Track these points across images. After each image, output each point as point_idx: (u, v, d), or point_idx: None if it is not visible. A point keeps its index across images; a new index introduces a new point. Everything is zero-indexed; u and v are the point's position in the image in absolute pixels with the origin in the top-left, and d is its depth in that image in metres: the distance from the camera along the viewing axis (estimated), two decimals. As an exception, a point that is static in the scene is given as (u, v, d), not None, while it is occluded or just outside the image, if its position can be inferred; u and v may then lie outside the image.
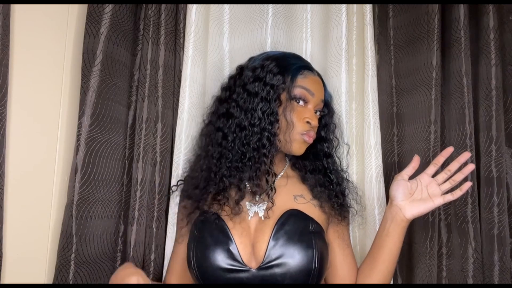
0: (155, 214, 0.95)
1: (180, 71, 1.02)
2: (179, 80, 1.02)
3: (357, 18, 1.06)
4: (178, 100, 1.01)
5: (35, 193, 0.87)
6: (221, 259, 0.79)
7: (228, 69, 1.09)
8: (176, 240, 0.94)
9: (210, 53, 1.08)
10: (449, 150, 0.84)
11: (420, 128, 1.01)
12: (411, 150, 1.03)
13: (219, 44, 1.09)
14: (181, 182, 0.96)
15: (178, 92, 1.02)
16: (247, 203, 0.86)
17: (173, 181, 0.99)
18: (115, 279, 0.76)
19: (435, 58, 0.99)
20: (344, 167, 1.00)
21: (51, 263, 0.89)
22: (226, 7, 1.11)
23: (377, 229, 0.91)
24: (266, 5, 1.11)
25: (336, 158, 0.97)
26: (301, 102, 0.87)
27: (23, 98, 0.84)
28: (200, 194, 0.86)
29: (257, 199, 0.86)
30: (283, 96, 0.85)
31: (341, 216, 0.91)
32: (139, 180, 0.94)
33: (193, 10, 1.01)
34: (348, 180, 0.97)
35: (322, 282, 0.84)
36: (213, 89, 1.01)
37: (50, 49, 0.90)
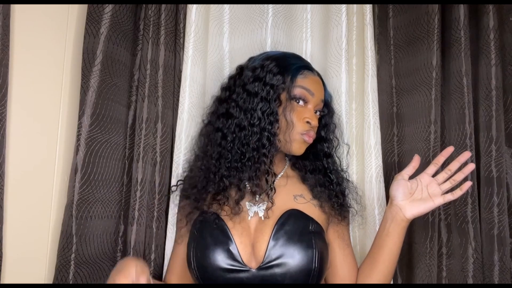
0: (155, 214, 0.95)
1: (180, 71, 1.02)
2: (179, 80, 1.02)
3: (357, 18, 1.06)
4: (178, 100, 1.01)
5: (35, 193, 0.87)
6: (221, 259, 0.79)
7: (228, 69, 1.09)
8: (175, 241, 0.94)
9: (210, 53, 1.08)
10: (449, 149, 0.84)
11: (420, 128, 1.01)
12: (411, 150, 1.03)
13: (219, 44, 1.09)
14: (181, 182, 0.96)
15: (178, 92, 1.02)
16: (247, 203, 0.86)
17: (173, 181, 0.99)
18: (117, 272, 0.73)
19: (435, 58, 0.99)
20: (344, 167, 1.00)
21: (51, 263, 0.89)
22: (226, 7, 1.11)
23: (377, 229, 0.91)
24: (266, 5, 1.11)
25: (336, 158, 0.97)
26: (301, 102, 0.87)
27: (23, 98, 0.84)
28: (199, 194, 0.86)
29: (257, 199, 0.86)
30: (283, 96, 0.85)
31: (341, 216, 0.91)
32: (139, 180, 0.94)
33: (193, 10, 1.01)
34: (348, 180, 0.97)
35: (322, 282, 0.84)
36: (213, 89, 1.01)
37: (50, 49, 0.90)
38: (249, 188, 0.86)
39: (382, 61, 1.11)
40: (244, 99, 0.85)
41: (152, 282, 0.79)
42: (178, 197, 0.97)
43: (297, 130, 0.85)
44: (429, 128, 0.99)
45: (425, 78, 1.01)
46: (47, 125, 0.89)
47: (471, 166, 0.83)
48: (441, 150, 0.88)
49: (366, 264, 0.88)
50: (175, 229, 0.97)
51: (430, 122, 0.99)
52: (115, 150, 0.95)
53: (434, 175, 0.85)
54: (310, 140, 0.87)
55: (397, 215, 0.84)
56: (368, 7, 1.05)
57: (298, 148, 0.87)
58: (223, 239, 0.80)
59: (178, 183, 0.97)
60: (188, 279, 0.88)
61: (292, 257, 0.78)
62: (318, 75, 0.93)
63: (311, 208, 0.87)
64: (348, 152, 1.02)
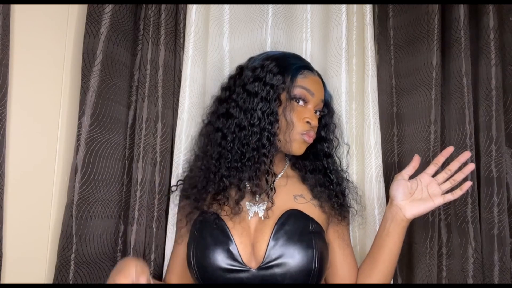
0: (155, 214, 0.95)
1: (180, 71, 1.02)
2: (179, 80, 1.02)
3: (357, 18, 1.06)
4: (178, 100, 1.01)
5: (35, 193, 0.87)
6: (221, 259, 0.79)
7: (228, 69, 1.09)
8: (175, 241, 0.94)
9: (210, 53, 1.08)
10: (449, 149, 0.84)
11: (420, 128, 1.01)
12: (411, 150, 1.03)
13: (219, 44, 1.09)
14: (181, 182, 0.96)
15: (178, 92, 1.02)
16: (247, 203, 0.86)
17: (173, 181, 0.99)
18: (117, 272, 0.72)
19: (435, 58, 0.99)
20: (344, 167, 1.00)
21: (51, 263, 0.89)
22: (226, 7, 1.11)
23: (377, 229, 0.91)
24: (266, 5, 1.11)
25: (336, 158, 0.97)
26: (301, 102, 0.87)
27: (23, 98, 0.84)
28: (199, 194, 0.86)
29: (257, 199, 0.86)
30: (283, 96, 0.85)
31: (341, 216, 0.91)
32: (139, 180, 0.94)
33: (193, 10, 1.01)
34: (348, 180, 0.97)
35: (322, 282, 0.84)
36: (213, 89, 1.01)
37: (50, 49, 0.90)
38: (249, 188, 0.86)
39: (382, 61, 1.11)
40: (244, 99, 0.85)
41: (152, 282, 0.80)
42: (178, 197, 0.97)
43: (297, 130, 0.85)
44: (429, 128, 0.99)
45: (425, 78, 1.01)
46: (47, 125, 0.89)
47: (471, 166, 0.83)
48: (441, 150, 0.88)
49: (366, 264, 0.88)
50: (175, 229, 0.97)
51: (430, 122, 0.99)
52: (115, 150, 0.95)
53: (434, 175, 0.85)
54: (310, 140, 0.87)
55: (397, 215, 0.84)
56: (368, 7, 1.05)
57: (298, 148, 0.87)
58: (223, 239, 0.80)
59: (178, 183, 0.97)
60: (188, 279, 0.88)
61: (292, 257, 0.78)
62: (318, 75, 0.93)
63: (311, 208, 0.87)
64: (348, 152, 1.02)
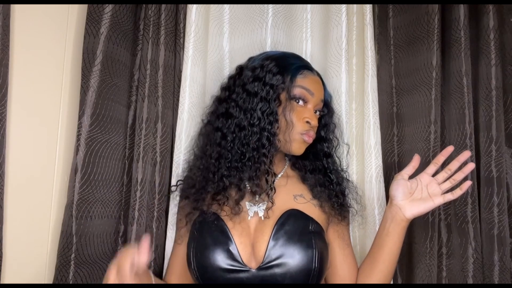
0: (155, 214, 0.95)
1: (180, 71, 1.02)
2: (179, 80, 1.02)
3: (357, 18, 1.06)
4: (178, 100, 1.01)
5: (35, 193, 0.87)
6: (221, 259, 0.79)
7: (228, 69, 1.09)
8: (175, 241, 0.94)
9: (210, 53, 1.08)
10: (449, 149, 0.84)
11: (420, 128, 1.01)
12: (411, 150, 1.03)
13: (219, 44, 1.09)
14: (181, 182, 0.96)
15: (178, 92, 1.02)
16: (247, 203, 0.86)
17: (173, 181, 0.99)
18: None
19: (435, 58, 0.99)
20: (344, 167, 1.00)
21: (51, 263, 0.89)
22: (226, 7, 1.11)
23: (377, 229, 0.91)
24: (266, 5, 1.11)
25: (336, 158, 0.97)
26: (301, 102, 0.87)
27: (23, 98, 0.84)
28: (198, 194, 0.86)
29: (257, 199, 0.86)
30: (283, 96, 0.85)
31: (341, 216, 0.90)
32: (139, 180, 0.94)
33: (193, 10, 1.01)
34: (348, 180, 0.97)
35: (322, 282, 0.84)
36: (213, 89, 1.01)
37: (50, 49, 0.90)
38: (249, 188, 0.86)
39: (382, 61, 1.11)
40: (243, 99, 0.85)
41: (153, 279, 0.80)
42: (178, 197, 0.97)
43: (296, 130, 0.85)
44: (429, 128, 0.99)
45: (425, 78, 1.01)
46: (47, 125, 0.89)
47: (471, 166, 0.83)
48: (441, 150, 0.88)
49: (366, 264, 0.88)
50: (175, 229, 0.97)
51: (430, 122, 0.99)
52: (115, 150, 0.95)
53: (434, 175, 0.85)
54: (310, 140, 0.87)
55: (396, 215, 0.84)
56: (368, 7, 1.05)
57: (298, 148, 0.87)
58: (223, 239, 0.80)
59: (178, 183, 0.97)
60: (188, 279, 0.88)
61: (292, 257, 0.77)
62: (318, 75, 0.93)
63: (311, 208, 0.87)
64: (348, 152, 1.02)
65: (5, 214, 0.79)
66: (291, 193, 0.89)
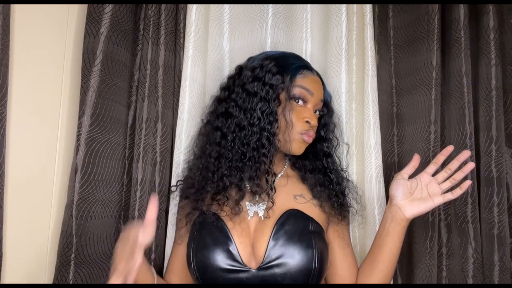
0: (155, 214, 0.95)
1: (180, 71, 1.02)
2: (179, 80, 1.02)
3: (357, 18, 1.06)
4: (178, 100, 1.01)
5: (35, 193, 0.87)
6: (220, 260, 0.79)
7: (228, 69, 1.09)
8: (175, 241, 0.94)
9: (210, 53, 1.08)
10: (449, 149, 0.84)
11: (420, 128, 1.01)
12: (411, 150, 1.03)
13: (219, 44, 1.09)
14: (181, 182, 0.96)
15: (178, 92, 1.02)
16: (247, 203, 0.86)
17: (173, 181, 0.99)
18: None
19: (435, 58, 0.99)
20: (344, 167, 1.00)
21: (51, 263, 0.89)
22: (226, 7, 1.11)
23: (377, 229, 0.91)
24: (266, 5, 1.11)
25: (336, 158, 0.97)
26: (300, 102, 0.87)
27: (23, 98, 0.84)
28: (198, 194, 0.86)
29: (256, 199, 0.86)
30: (282, 96, 0.85)
31: (341, 215, 0.90)
32: (139, 180, 0.94)
33: (193, 10, 1.01)
34: (348, 180, 0.97)
35: (322, 282, 0.84)
36: (213, 89, 1.01)
37: (50, 49, 0.90)
38: (249, 188, 0.86)
39: (382, 61, 1.11)
40: (243, 99, 0.85)
41: (155, 276, 0.81)
42: (178, 197, 0.97)
43: (296, 130, 0.85)
44: (429, 128, 0.99)
45: (425, 78, 1.01)
46: (47, 125, 0.89)
47: (471, 165, 0.83)
48: (441, 150, 0.88)
49: (366, 264, 0.88)
50: (175, 229, 0.97)
51: (430, 122, 0.99)
52: (115, 150, 0.95)
53: (434, 175, 0.85)
54: (310, 140, 0.87)
55: (396, 214, 0.84)
56: (368, 7, 1.05)
57: (297, 147, 0.87)
58: (223, 239, 0.80)
59: (178, 183, 0.97)
60: (188, 279, 0.88)
61: (292, 257, 0.77)
62: (318, 74, 0.93)
63: (311, 208, 0.87)
64: (348, 151, 1.02)
65: (5, 214, 0.79)
66: (291, 193, 0.89)
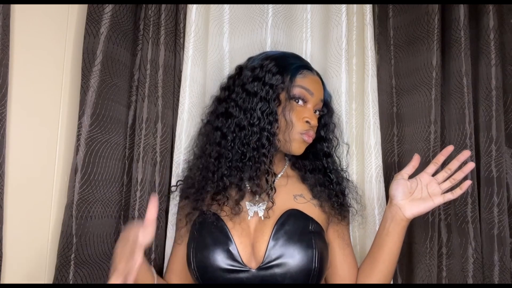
0: (155, 214, 0.95)
1: (180, 71, 1.02)
2: (179, 80, 1.02)
3: (357, 18, 1.06)
4: (178, 100, 1.01)
5: (35, 193, 0.87)
6: (220, 260, 0.79)
7: (228, 69, 1.09)
8: (175, 241, 0.94)
9: (210, 53, 1.08)
10: (449, 149, 0.84)
11: (420, 128, 1.01)
12: (411, 150, 1.03)
13: (219, 44, 1.09)
14: (181, 182, 0.96)
15: (178, 92, 1.02)
16: (246, 203, 0.86)
17: (173, 181, 0.99)
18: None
19: (435, 58, 0.99)
20: (344, 167, 1.00)
21: (51, 263, 0.89)
22: (226, 7, 1.11)
23: (377, 229, 0.91)
24: (266, 5, 1.11)
25: (336, 158, 0.97)
26: (300, 102, 0.87)
27: (23, 98, 0.84)
28: (198, 194, 0.86)
29: (256, 199, 0.86)
30: (282, 96, 0.85)
31: (341, 215, 0.90)
32: (139, 180, 0.94)
33: (193, 10, 1.01)
34: (348, 180, 0.97)
35: (322, 282, 0.84)
36: (213, 89, 1.01)
37: (50, 49, 0.90)
38: (249, 188, 0.86)
39: (382, 61, 1.11)
40: (243, 99, 0.85)
41: (155, 276, 0.81)
42: (178, 197, 0.97)
43: (296, 130, 0.85)
44: (429, 128, 0.99)
45: (425, 78, 1.01)
46: (47, 125, 0.89)
47: (471, 165, 0.83)
48: (441, 150, 0.88)
49: (366, 264, 0.88)
50: (175, 229, 0.97)
51: (430, 122, 0.99)
52: (115, 150, 0.95)
53: (434, 175, 0.85)
54: (310, 140, 0.87)
55: (396, 214, 0.84)
56: (368, 7, 1.05)
57: (297, 147, 0.87)
58: (223, 239, 0.80)
59: (178, 183, 0.97)
60: (187, 279, 0.88)
61: (292, 257, 0.77)
62: (318, 74, 0.93)
63: (311, 208, 0.87)
64: (347, 151, 1.02)
65: (5, 214, 0.79)
66: (291, 193, 0.89)
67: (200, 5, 1.02)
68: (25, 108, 0.85)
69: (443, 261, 1.00)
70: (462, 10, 0.99)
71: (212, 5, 1.08)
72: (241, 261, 0.79)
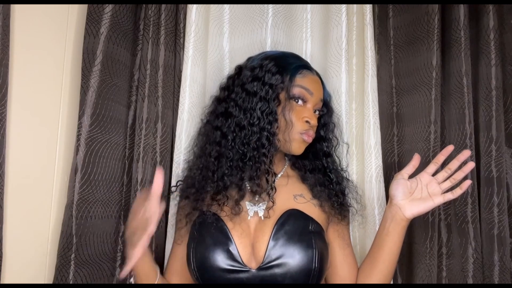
0: (155, 214, 0.95)
1: (180, 71, 1.02)
2: (179, 80, 1.02)
3: (357, 18, 1.06)
4: (178, 100, 1.01)
5: (35, 193, 0.87)
6: (221, 260, 0.79)
7: (228, 69, 1.09)
8: (175, 241, 0.93)
9: (210, 53, 1.08)
10: (449, 148, 0.84)
11: (420, 128, 1.01)
12: (411, 150, 1.03)
13: (219, 44, 1.09)
14: (180, 182, 0.96)
15: (178, 92, 1.02)
16: (247, 203, 0.86)
17: (173, 181, 0.99)
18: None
19: (435, 58, 0.99)
20: (344, 166, 1.00)
21: (51, 263, 0.89)
22: (226, 7, 1.11)
23: (377, 229, 0.91)
24: (266, 5, 1.11)
25: (336, 157, 0.97)
26: (300, 102, 0.87)
27: (23, 98, 0.84)
28: (198, 194, 0.86)
29: (256, 198, 0.86)
30: (282, 96, 0.85)
31: (341, 215, 0.90)
32: (139, 180, 0.94)
33: (193, 10, 1.01)
34: (348, 179, 0.97)
35: (322, 282, 0.84)
36: (213, 89, 1.01)
37: (50, 49, 0.90)
38: (249, 188, 0.86)
39: (382, 61, 1.11)
40: (243, 99, 0.85)
41: (158, 273, 0.83)
42: (178, 197, 0.97)
43: (296, 130, 0.85)
44: (429, 128, 0.99)
45: (425, 78, 1.01)
46: (47, 125, 0.89)
47: (471, 165, 0.83)
48: (441, 150, 0.88)
49: (366, 264, 0.88)
50: (174, 229, 0.97)
51: (430, 122, 0.99)
52: (115, 150, 0.95)
53: (434, 174, 0.85)
54: (310, 140, 0.87)
55: (396, 214, 0.84)
56: (368, 7, 1.05)
57: (297, 147, 0.87)
58: (223, 239, 0.80)
59: (178, 183, 0.97)
60: (187, 279, 0.88)
61: (292, 257, 0.77)
62: (317, 74, 0.93)
63: (311, 208, 0.87)
64: (347, 151, 1.02)
65: (5, 214, 0.79)
66: (291, 193, 0.89)
67: (200, 5, 1.02)
68: (25, 108, 0.85)
69: (443, 261, 1.00)
70: (462, 10, 0.99)
71: (212, 5, 1.08)
72: (241, 261, 0.79)
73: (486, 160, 0.98)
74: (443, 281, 0.99)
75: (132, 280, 0.85)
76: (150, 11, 0.98)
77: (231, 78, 0.91)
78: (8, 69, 0.78)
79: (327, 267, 0.83)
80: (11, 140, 0.81)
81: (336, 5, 1.06)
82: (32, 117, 0.86)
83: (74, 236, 0.87)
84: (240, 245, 0.80)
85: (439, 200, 0.82)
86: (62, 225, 0.88)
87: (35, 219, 0.87)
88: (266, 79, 0.85)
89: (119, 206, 0.97)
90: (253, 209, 0.85)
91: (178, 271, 0.90)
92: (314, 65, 0.96)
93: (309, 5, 1.13)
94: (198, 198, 0.86)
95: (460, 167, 0.83)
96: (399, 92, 1.08)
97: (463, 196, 0.96)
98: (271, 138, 0.83)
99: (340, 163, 0.98)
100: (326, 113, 0.95)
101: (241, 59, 0.98)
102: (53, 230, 0.90)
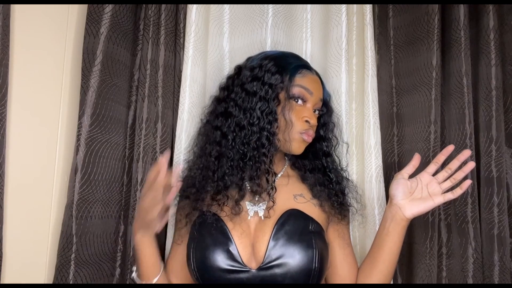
0: (155, 214, 0.95)
1: (180, 71, 1.02)
2: (179, 80, 1.02)
3: (357, 18, 1.06)
4: (178, 100, 1.01)
5: (35, 193, 0.87)
6: (221, 260, 0.79)
7: (228, 69, 1.09)
8: (174, 241, 0.93)
9: (210, 53, 1.08)
10: (450, 148, 0.84)
11: (420, 128, 1.01)
12: (411, 150, 1.03)
13: (219, 44, 1.09)
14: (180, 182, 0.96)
15: (178, 92, 1.02)
16: (247, 203, 0.86)
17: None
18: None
19: (435, 58, 0.99)
20: (344, 166, 1.00)
21: (51, 263, 0.89)
22: (226, 7, 1.11)
23: (377, 229, 0.91)
24: (266, 5, 1.11)
25: (336, 157, 0.97)
26: (300, 101, 0.87)
27: (23, 98, 0.84)
28: (198, 194, 0.86)
29: (256, 198, 0.86)
30: (282, 96, 0.85)
31: (341, 215, 0.90)
32: (139, 180, 0.94)
33: (193, 10, 1.01)
34: (348, 179, 0.97)
35: (322, 282, 0.84)
36: (213, 89, 1.01)
37: (50, 49, 0.90)
38: (249, 187, 0.85)
39: (382, 61, 1.11)
40: (243, 99, 0.85)
41: (161, 268, 0.84)
42: (178, 197, 0.97)
43: (296, 129, 0.85)
44: (429, 128, 0.99)
45: (425, 78, 1.01)
46: (47, 125, 0.89)
47: (471, 165, 0.83)
48: (441, 150, 0.88)
49: (366, 264, 0.88)
50: (174, 229, 0.97)
51: (430, 122, 0.99)
52: (115, 150, 0.95)
53: (434, 174, 0.85)
54: (309, 139, 0.87)
55: (396, 214, 0.84)
56: (368, 7, 1.05)
57: (297, 147, 0.87)
58: (223, 239, 0.80)
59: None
60: (187, 279, 0.87)
61: (292, 257, 0.77)
62: (317, 74, 0.93)
63: (311, 208, 0.87)
64: (347, 151, 1.02)
65: (5, 214, 0.79)
66: (291, 193, 0.89)
67: (200, 5, 1.02)
68: (25, 108, 0.85)
69: (443, 261, 1.00)
70: (462, 10, 0.99)
71: (212, 5, 1.08)
72: (241, 262, 0.79)
73: (486, 160, 0.98)
74: (443, 281, 0.99)
75: (134, 275, 0.84)
76: (150, 11, 0.98)
77: (230, 78, 0.91)
78: (8, 69, 0.78)
79: (327, 267, 0.83)
80: (11, 140, 0.81)
81: (336, 5, 1.06)
82: (32, 117, 0.86)
83: (74, 236, 0.87)
84: (240, 245, 0.80)
85: (439, 200, 0.82)
86: (62, 225, 0.88)
87: (35, 219, 0.87)
88: (265, 79, 0.85)
89: (119, 206, 0.97)
90: (253, 209, 0.85)
91: (178, 271, 0.90)
92: (314, 65, 0.96)
93: (309, 5, 1.13)
94: (198, 198, 0.85)
95: (460, 167, 0.83)
96: (399, 92, 1.08)
97: (463, 196, 0.96)
98: (271, 138, 0.83)
99: (340, 163, 0.98)
100: (325, 112, 0.95)
101: (241, 59, 0.98)
102: (53, 230, 0.90)
